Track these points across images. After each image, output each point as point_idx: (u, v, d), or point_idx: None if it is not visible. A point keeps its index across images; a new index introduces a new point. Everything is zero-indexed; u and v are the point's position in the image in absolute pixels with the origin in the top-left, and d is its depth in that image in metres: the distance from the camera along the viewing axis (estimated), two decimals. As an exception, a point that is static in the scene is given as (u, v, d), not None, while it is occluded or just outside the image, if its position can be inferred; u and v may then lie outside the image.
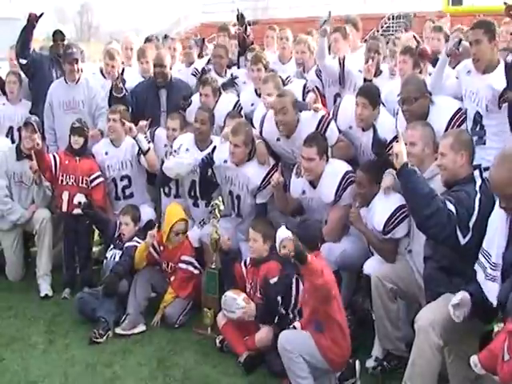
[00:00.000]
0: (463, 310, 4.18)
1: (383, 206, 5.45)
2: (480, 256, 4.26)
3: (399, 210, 5.34)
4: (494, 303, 4.10)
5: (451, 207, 4.32)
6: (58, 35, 8.46)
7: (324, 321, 4.92)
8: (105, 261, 6.73)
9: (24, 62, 8.10)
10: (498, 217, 4.20)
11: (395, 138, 5.68)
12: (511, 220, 4.10)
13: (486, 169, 4.82)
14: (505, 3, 5.74)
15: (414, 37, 7.01)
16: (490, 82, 5.28)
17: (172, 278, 6.51)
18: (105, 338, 6.04)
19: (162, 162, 6.85)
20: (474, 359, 3.90)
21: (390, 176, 5.46)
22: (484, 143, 5.24)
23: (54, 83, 7.98)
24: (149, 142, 7.13)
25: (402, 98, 5.58)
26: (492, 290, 4.13)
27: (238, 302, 5.66)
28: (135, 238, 6.60)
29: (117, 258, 6.56)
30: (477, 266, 4.28)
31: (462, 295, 4.19)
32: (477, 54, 5.39)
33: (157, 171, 7.13)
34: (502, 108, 5.24)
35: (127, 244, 6.57)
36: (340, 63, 7.01)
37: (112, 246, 6.75)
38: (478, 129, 5.40)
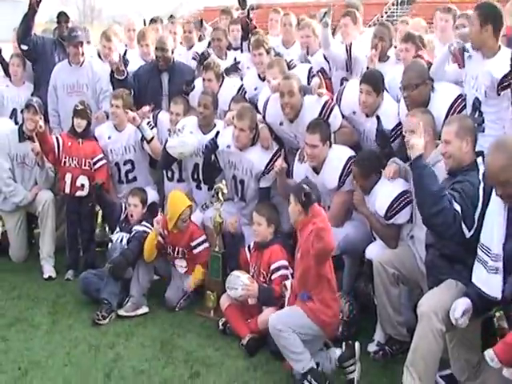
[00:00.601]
0: (466, 316, 4.21)
1: (386, 191, 5.47)
2: (479, 252, 4.26)
3: (402, 196, 5.37)
4: (499, 297, 4.12)
5: (457, 207, 4.32)
6: (62, 17, 8.39)
7: (312, 288, 4.96)
8: (110, 243, 6.73)
9: (25, 47, 8.05)
10: (495, 208, 4.21)
11: (398, 126, 5.74)
12: (509, 210, 4.11)
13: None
14: None
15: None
16: (489, 69, 5.20)
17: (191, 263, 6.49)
18: (108, 319, 6.07)
19: (166, 143, 6.82)
20: (489, 354, 3.87)
21: (393, 164, 5.48)
22: (483, 130, 5.22)
23: (58, 66, 7.94)
24: (152, 128, 7.14)
25: (403, 85, 5.58)
26: (496, 284, 4.13)
27: (241, 280, 5.67)
28: (144, 223, 6.59)
29: (124, 241, 6.57)
30: (476, 264, 4.28)
31: (465, 306, 4.21)
32: (470, 36, 5.35)
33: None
34: (501, 95, 5.20)
35: (136, 227, 6.57)
36: (347, 50, 6.97)
37: (118, 229, 6.75)
38: (476, 115, 5.36)
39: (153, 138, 7.05)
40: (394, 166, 5.48)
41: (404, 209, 5.38)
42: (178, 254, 6.50)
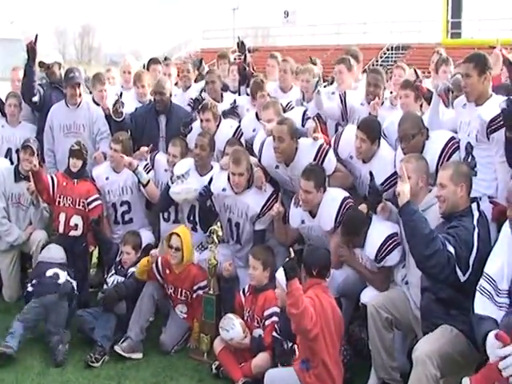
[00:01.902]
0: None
1: (375, 235, 5.53)
2: (483, 282, 4.22)
3: (390, 239, 5.45)
4: None
5: (451, 249, 4.36)
6: (55, 66, 8.47)
7: (310, 357, 4.96)
8: (105, 286, 6.69)
9: (36, 98, 8.03)
10: (504, 242, 4.24)
11: (393, 176, 5.78)
12: None
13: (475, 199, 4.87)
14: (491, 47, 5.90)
15: (415, 71, 7.03)
16: (480, 113, 5.34)
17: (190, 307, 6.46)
18: (100, 362, 6.02)
19: (167, 187, 6.85)
20: (465, 381, 3.89)
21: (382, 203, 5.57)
22: (475, 174, 5.28)
23: (55, 106, 7.96)
24: (149, 171, 7.19)
25: (400, 136, 5.69)
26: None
27: (234, 323, 5.67)
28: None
29: None
30: (479, 296, 4.23)
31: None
32: (466, 87, 5.45)
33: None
34: (491, 139, 5.29)
35: (132, 269, 6.58)
36: (341, 100, 7.04)
37: (113, 272, 6.74)
38: (469, 159, 5.45)
39: (149, 181, 7.09)
40: (384, 204, 5.57)
41: (393, 251, 5.44)
42: (180, 295, 6.45)
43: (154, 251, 6.41)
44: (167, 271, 6.45)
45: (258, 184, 6.44)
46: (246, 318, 5.87)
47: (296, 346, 5.28)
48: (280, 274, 5.16)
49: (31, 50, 7.78)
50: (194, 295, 6.41)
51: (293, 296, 4.66)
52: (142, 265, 6.41)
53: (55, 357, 6.02)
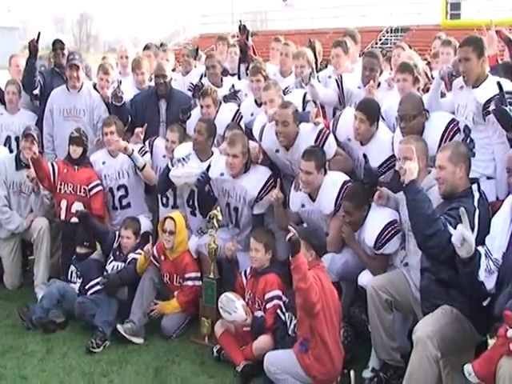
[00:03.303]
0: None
1: (374, 222, 5.55)
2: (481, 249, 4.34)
3: (389, 226, 5.47)
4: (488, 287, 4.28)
5: (452, 230, 4.36)
6: (57, 44, 8.32)
7: (309, 337, 4.99)
8: (105, 273, 6.70)
9: (37, 91, 8.02)
10: (502, 217, 4.36)
11: (391, 159, 5.78)
12: None
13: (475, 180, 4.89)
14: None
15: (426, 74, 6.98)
16: (476, 95, 5.37)
17: (177, 292, 6.50)
18: (102, 348, 6.05)
19: (167, 169, 6.83)
20: (467, 368, 3.96)
21: (380, 190, 5.58)
22: (474, 155, 5.29)
23: (56, 90, 7.94)
24: (144, 154, 7.19)
25: (400, 116, 5.67)
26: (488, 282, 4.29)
27: (236, 306, 5.67)
28: (138, 250, 6.62)
29: None
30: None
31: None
32: (466, 71, 5.46)
33: (155, 182, 7.19)
34: (487, 120, 5.31)
35: (131, 255, 6.62)
36: (338, 84, 7.04)
37: (112, 258, 6.77)
38: (467, 141, 5.46)
39: (145, 165, 7.10)
40: (380, 191, 5.57)
41: (392, 238, 5.47)
42: (176, 282, 6.51)
43: (147, 247, 6.43)
44: (162, 258, 6.50)
45: (255, 158, 6.46)
46: (247, 300, 5.89)
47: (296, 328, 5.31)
48: None
49: (33, 47, 7.73)
50: (184, 283, 6.46)
51: (300, 270, 4.69)
52: (141, 263, 6.44)
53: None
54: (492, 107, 5.06)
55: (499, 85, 5.05)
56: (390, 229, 5.45)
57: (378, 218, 5.55)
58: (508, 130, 5.09)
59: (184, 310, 6.43)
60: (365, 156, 5.70)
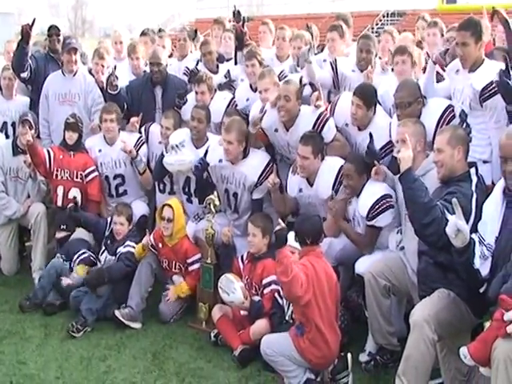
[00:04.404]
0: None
1: (369, 192, 5.59)
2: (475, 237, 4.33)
3: (384, 198, 5.50)
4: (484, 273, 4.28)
5: (449, 217, 4.36)
6: (53, 29, 8.29)
7: (304, 322, 5.00)
8: (99, 264, 6.73)
9: (25, 75, 7.95)
10: (493, 202, 4.36)
11: (389, 144, 5.78)
12: (507, 205, 4.26)
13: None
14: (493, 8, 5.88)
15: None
16: (472, 81, 5.36)
17: (185, 278, 6.49)
18: (82, 333, 6.06)
19: (162, 156, 6.84)
20: (463, 351, 3.98)
21: (378, 166, 5.60)
22: (470, 140, 5.29)
23: (51, 75, 7.91)
24: (142, 144, 7.25)
25: (396, 103, 5.67)
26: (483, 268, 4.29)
27: (235, 287, 5.66)
28: (128, 243, 6.56)
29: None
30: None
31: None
32: (463, 56, 5.44)
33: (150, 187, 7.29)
34: (484, 106, 5.31)
35: (120, 249, 6.56)
36: (332, 67, 7.01)
37: (104, 248, 6.76)
38: (464, 126, 5.45)
39: (145, 171, 7.15)
40: (378, 167, 5.59)
41: (385, 212, 5.49)
42: (174, 268, 6.52)
43: (146, 239, 6.45)
44: (160, 245, 6.50)
45: (253, 124, 6.43)
46: (244, 284, 5.86)
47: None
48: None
49: (25, 32, 7.66)
50: (190, 268, 6.46)
51: (282, 264, 4.67)
52: (138, 253, 6.44)
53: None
54: (496, 78, 5.03)
55: (505, 58, 5.06)
56: (383, 201, 5.48)
57: (373, 190, 5.57)
58: (509, 102, 5.06)
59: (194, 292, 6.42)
60: (371, 135, 5.67)
